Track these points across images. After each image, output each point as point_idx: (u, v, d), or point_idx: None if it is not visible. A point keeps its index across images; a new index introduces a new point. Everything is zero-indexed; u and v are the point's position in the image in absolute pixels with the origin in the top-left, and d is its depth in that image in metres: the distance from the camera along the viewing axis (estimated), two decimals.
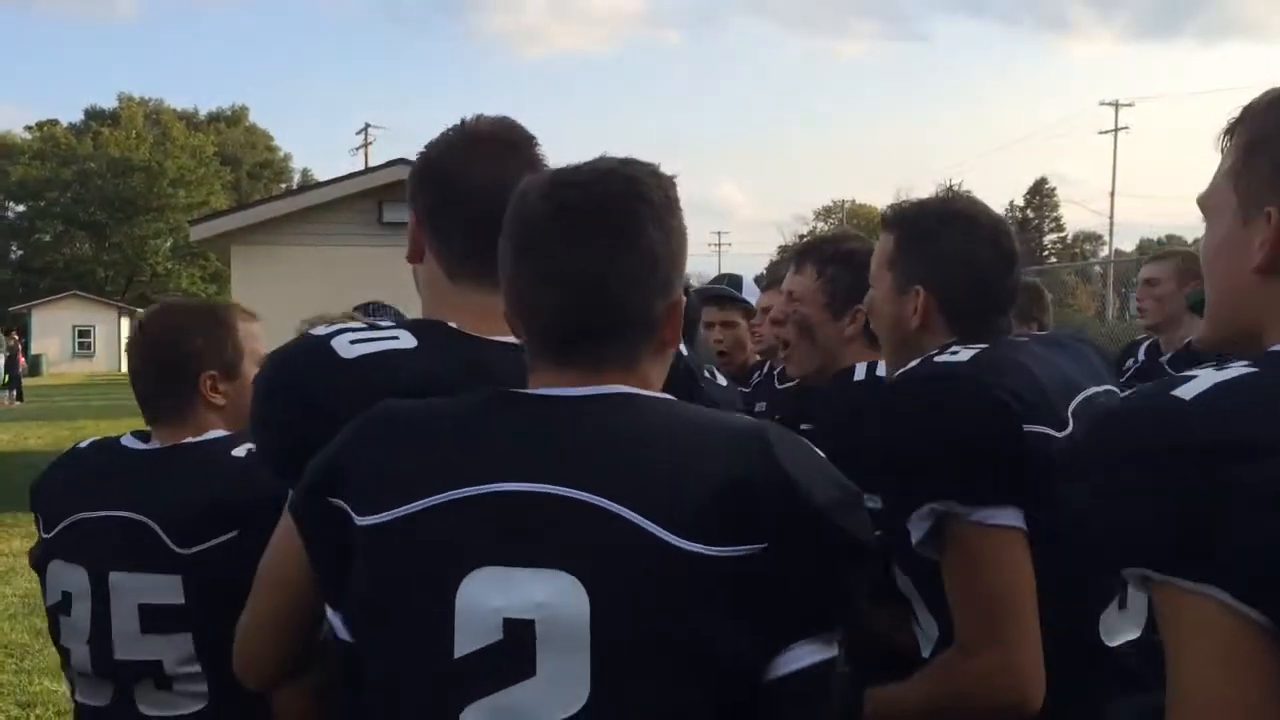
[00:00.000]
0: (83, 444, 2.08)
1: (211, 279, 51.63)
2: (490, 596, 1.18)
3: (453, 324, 1.52)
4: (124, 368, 7.14)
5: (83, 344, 49.61)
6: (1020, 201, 67.97)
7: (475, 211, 1.56)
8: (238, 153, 60.13)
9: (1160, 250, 5.82)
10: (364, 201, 15.89)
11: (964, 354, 1.85)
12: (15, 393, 27.83)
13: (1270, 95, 1.31)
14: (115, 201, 54.68)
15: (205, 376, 2.05)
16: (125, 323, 45.01)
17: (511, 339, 1.40)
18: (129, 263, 57.14)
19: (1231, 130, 1.34)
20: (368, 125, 53.59)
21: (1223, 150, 1.35)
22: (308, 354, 1.49)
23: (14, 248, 58.35)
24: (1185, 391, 1.10)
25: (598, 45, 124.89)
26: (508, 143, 1.62)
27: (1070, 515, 1.22)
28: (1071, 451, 1.45)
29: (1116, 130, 50.21)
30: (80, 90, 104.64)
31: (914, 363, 1.91)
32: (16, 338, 31.81)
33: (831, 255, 2.59)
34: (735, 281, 4.39)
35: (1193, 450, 1.05)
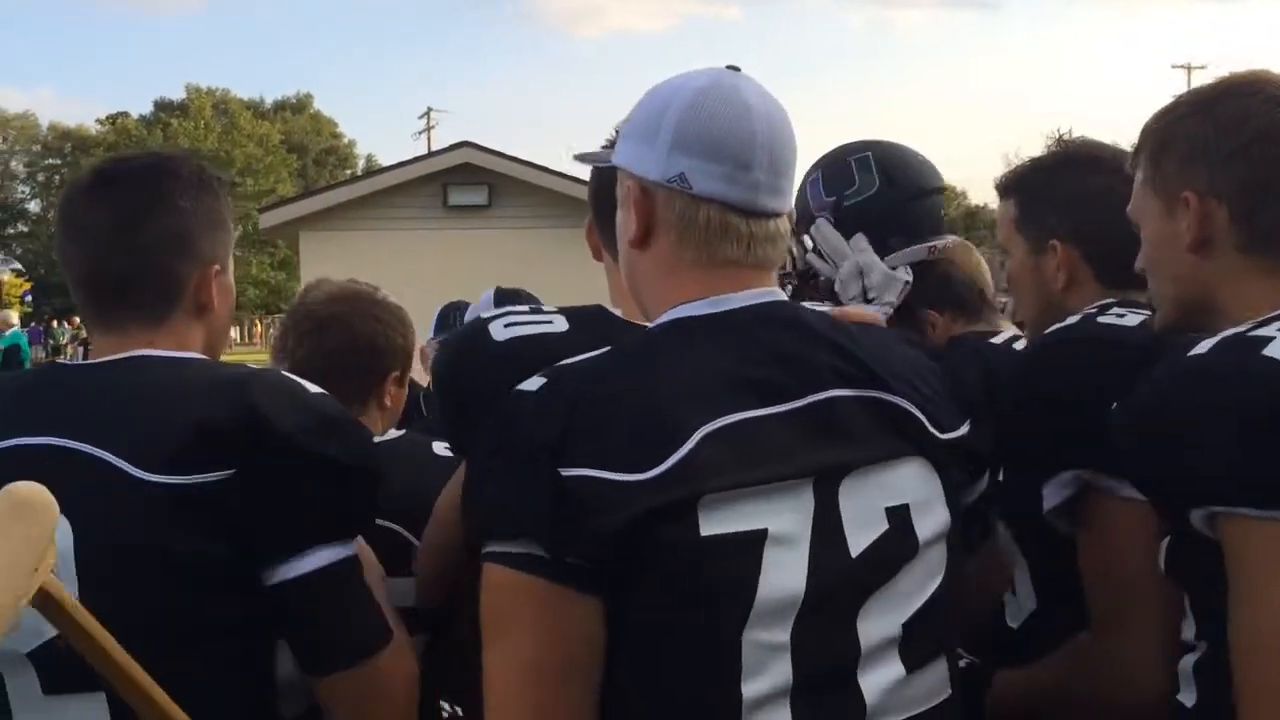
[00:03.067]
0: None
1: (280, 266, 52.20)
2: None
3: (618, 310, 1.61)
4: None
5: None
6: None
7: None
8: (303, 140, 60.75)
9: None
10: (429, 185, 15.99)
11: (1130, 319, 1.74)
12: None
13: (1160, 112, 1.57)
14: None
15: (392, 377, 2.06)
16: None
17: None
18: None
19: (1137, 152, 1.60)
20: (430, 109, 53.80)
21: (1133, 172, 1.61)
22: (466, 339, 1.63)
23: None
24: (1275, 350, 1.30)
25: (656, 22, 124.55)
26: None
27: (1147, 462, 1.41)
28: (1156, 406, 1.40)
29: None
30: (149, 82, 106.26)
31: (1071, 320, 1.78)
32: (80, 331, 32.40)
33: None
34: None
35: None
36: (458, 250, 14.29)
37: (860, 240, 2.39)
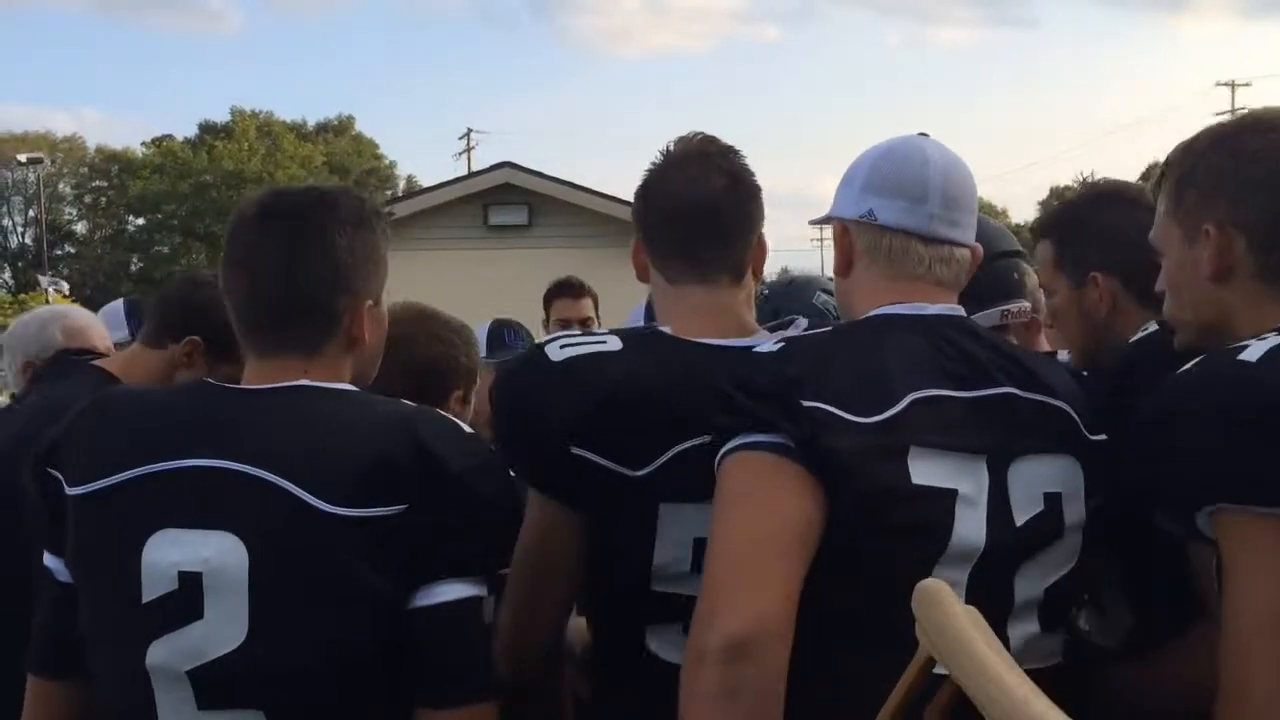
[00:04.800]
0: None
1: None
2: (168, 553, 1.45)
3: (667, 329, 1.78)
4: None
5: None
6: None
7: (673, 214, 1.82)
8: (345, 162, 61.25)
9: None
10: (469, 205, 16.10)
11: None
12: None
13: (1184, 145, 1.67)
14: (229, 212, 55.58)
15: (455, 396, 2.12)
16: None
17: (715, 340, 1.73)
18: None
19: (1159, 181, 1.71)
20: (470, 130, 54.15)
21: (1156, 198, 1.73)
22: (524, 361, 1.78)
23: (135, 260, 60.17)
24: (1248, 355, 1.42)
25: (695, 42, 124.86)
26: (700, 153, 1.84)
27: (1147, 468, 1.51)
28: (1160, 412, 1.51)
29: (1234, 112, 48.43)
30: (194, 104, 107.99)
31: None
32: None
33: None
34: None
35: (1266, 405, 1.37)
36: (498, 269, 14.37)
37: None
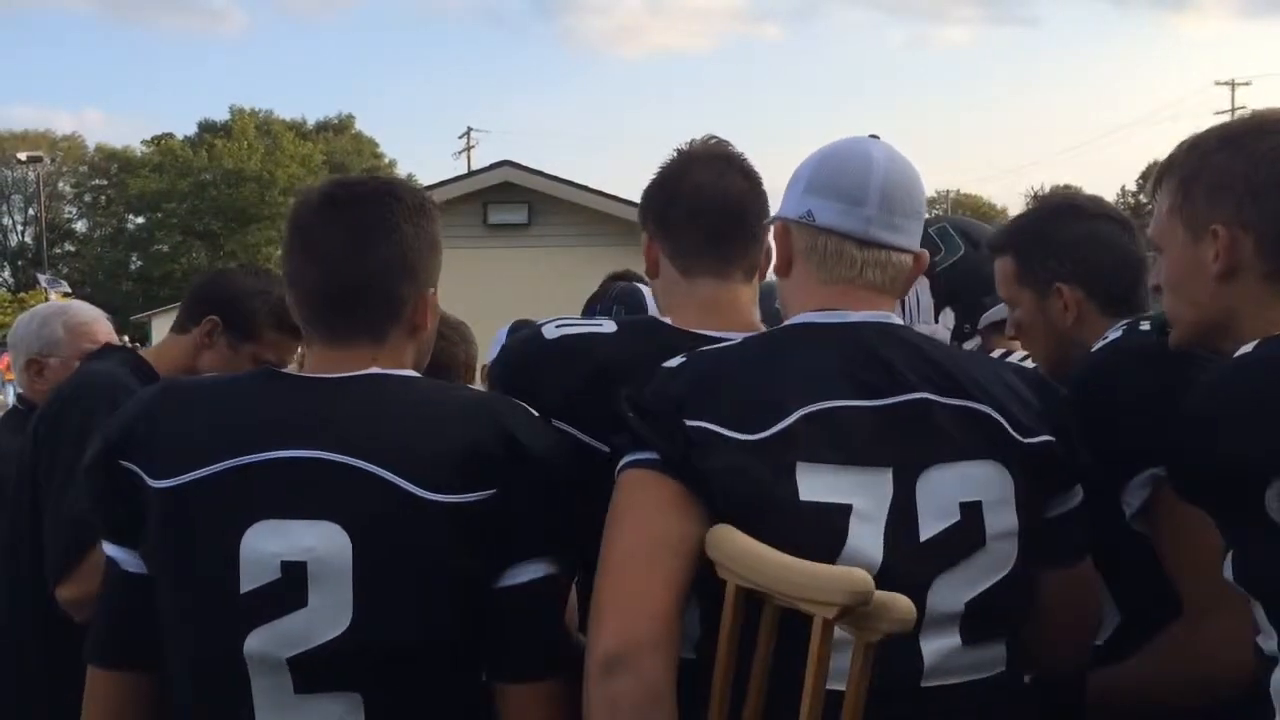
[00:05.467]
0: None
1: None
2: (269, 543, 1.48)
3: (668, 319, 1.82)
4: None
5: None
6: (1133, 186, 66.33)
7: (698, 209, 1.85)
8: (345, 160, 61.25)
9: None
10: (469, 204, 16.07)
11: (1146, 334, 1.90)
12: None
13: (1187, 143, 1.66)
14: (229, 211, 56.14)
15: None
16: None
17: (716, 332, 1.75)
18: None
19: (1159, 180, 1.70)
20: (470, 129, 54.25)
21: (1154, 197, 1.72)
22: (521, 340, 1.85)
23: (134, 259, 60.20)
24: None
25: (696, 41, 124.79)
26: (721, 155, 1.90)
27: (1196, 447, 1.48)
28: (1227, 398, 1.50)
29: (1234, 111, 48.61)
30: (194, 103, 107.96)
31: (1113, 335, 1.93)
32: (138, 346, 32.76)
33: None
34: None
35: None
36: (498, 268, 14.37)
37: (948, 315, 2.70)
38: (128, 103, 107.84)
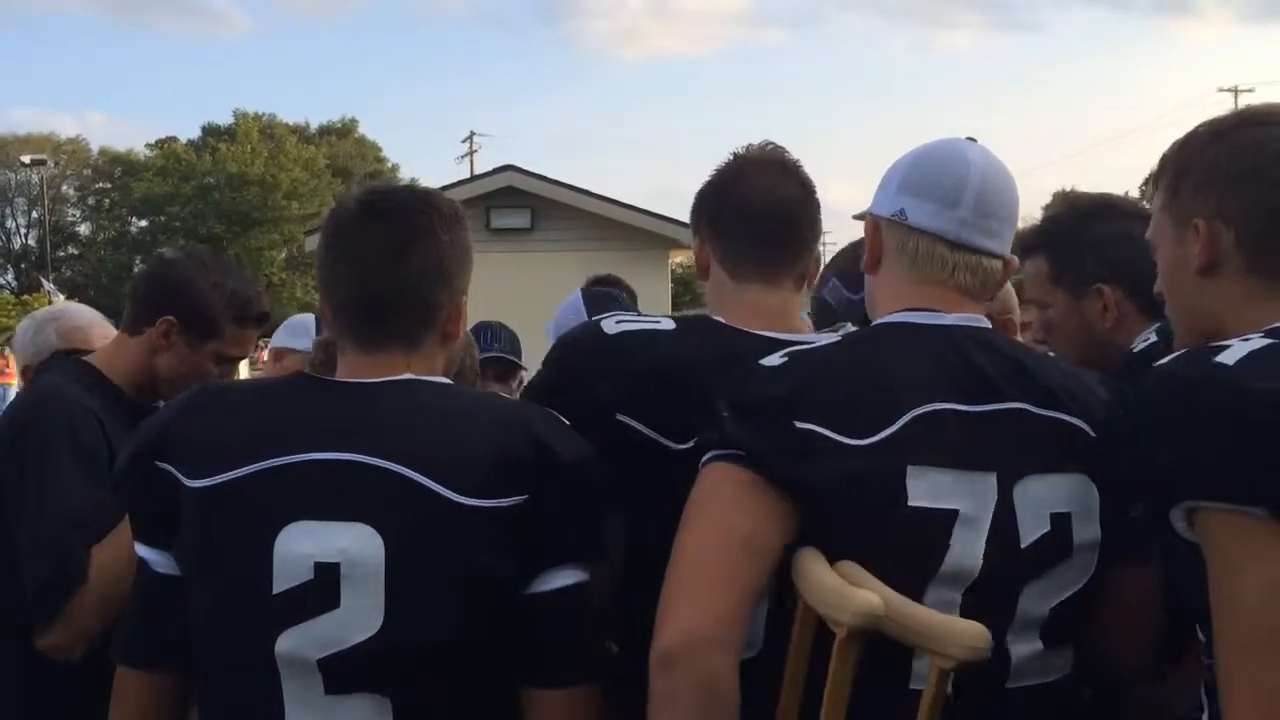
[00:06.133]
0: None
1: None
2: (302, 545, 1.49)
3: (720, 318, 1.82)
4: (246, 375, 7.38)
5: None
6: (1135, 192, 66.27)
7: (751, 214, 1.85)
8: (348, 164, 61.26)
9: None
10: (472, 208, 16.03)
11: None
12: None
13: (1182, 140, 1.63)
14: (232, 215, 56.05)
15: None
16: None
17: (770, 333, 1.75)
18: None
19: (1155, 179, 1.66)
20: (473, 133, 54.18)
21: (1151, 197, 1.69)
22: (581, 332, 1.87)
23: (138, 262, 60.11)
24: (1227, 358, 1.35)
25: (699, 45, 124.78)
26: (777, 161, 1.91)
27: (1134, 464, 1.46)
28: (1145, 408, 1.47)
29: None
30: (197, 107, 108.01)
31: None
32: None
33: None
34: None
35: (1241, 402, 1.29)
36: (501, 272, 14.35)
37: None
38: (131, 105, 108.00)
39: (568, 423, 1.66)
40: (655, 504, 1.67)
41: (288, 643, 1.49)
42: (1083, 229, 2.08)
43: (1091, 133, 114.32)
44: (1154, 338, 1.91)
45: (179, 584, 1.59)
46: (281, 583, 1.50)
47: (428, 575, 1.50)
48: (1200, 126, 1.65)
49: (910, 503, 1.48)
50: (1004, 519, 1.52)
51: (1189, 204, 1.57)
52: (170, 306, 2.42)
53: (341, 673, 1.49)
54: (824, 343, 1.66)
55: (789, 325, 1.83)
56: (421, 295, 1.65)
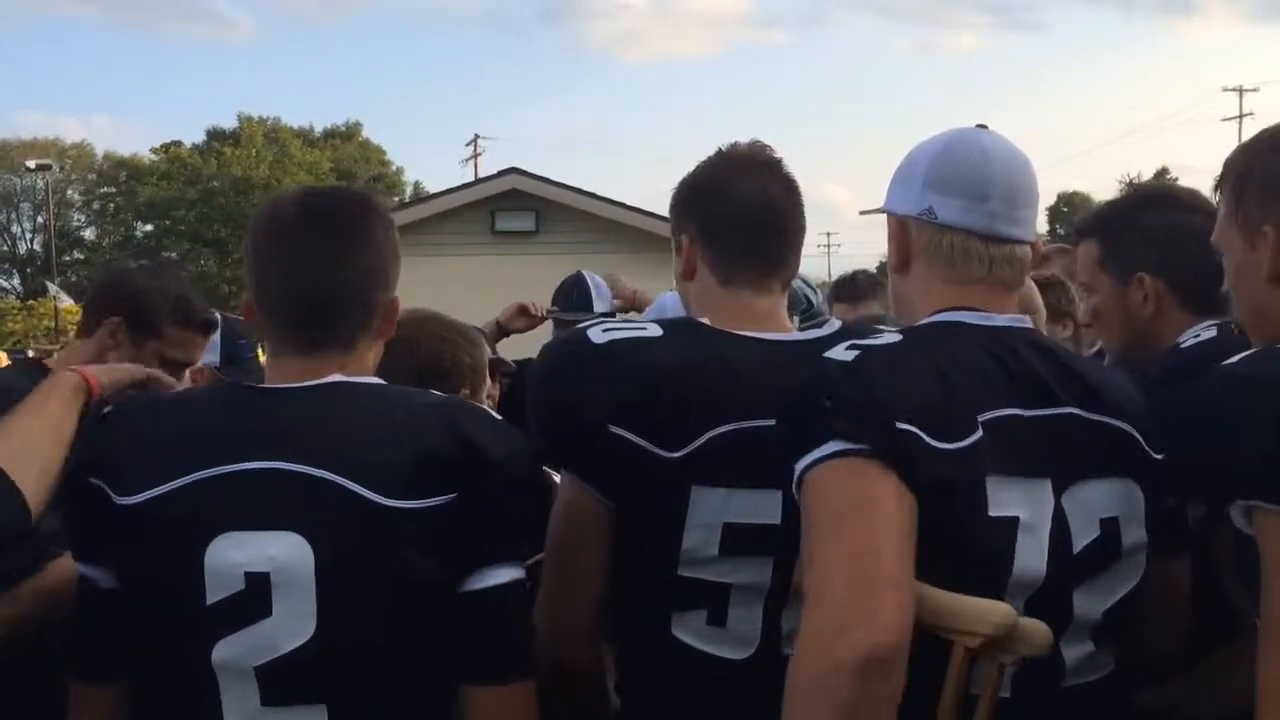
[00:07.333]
0: None
1: None
2: (232, 555, 1.49)
3: (706, 321, 1.78)
4: None
5: None
6: None
7: (741, 220, 1.83)
8: (352, 168, 61.30)
9: None
10: (476, 212, 16.09)
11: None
12: None
13: (1243, 146, 1.65)
14: (237, 219, 56.01)
15: (462, 394, 2.14)
16: None
17: (756, 334, 1.74)
18: None
19: (1220, 185, 1.67)
20: (477, 136, 54.01)
21: (1218, 202, 1.69)
22: (567, 342, 1.80)
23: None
24: None
25: (702, 47, 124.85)
26: (764, 163, 1.87)
27: (1190, 459, 1.53)
28: (1204, 405, 1.52)
29: (1241, 117, 48.43)
30: (202, 111, 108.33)
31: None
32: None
33: None
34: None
35: None
36: (505, 275, 14.33)
37: None
38: (136, 110, 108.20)
39: (498, 416, 1.65)
40: (647, 513, 1.67)
41: (224, 652, 1.49)
42: (1134, 217, 2.08)
43: (1097, 132, 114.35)
44: (1204, 335, 1.91)
45: (120, 598, 1.59)
46: (214, 594, 1.50)
47: (358, 580, 1.50)
48: (1261, 132, 1.67)
49: (990, 513, 1.46)
50: (1058, 525, 1.52)
51: (1255, 211, 1.59)
52: (117, 308, 2.51)
53: (278, 681, 1.50)
54: (886, 340, 1.58)
55: (778, 326, 1.83)
56: (363, 296, 1.65)
